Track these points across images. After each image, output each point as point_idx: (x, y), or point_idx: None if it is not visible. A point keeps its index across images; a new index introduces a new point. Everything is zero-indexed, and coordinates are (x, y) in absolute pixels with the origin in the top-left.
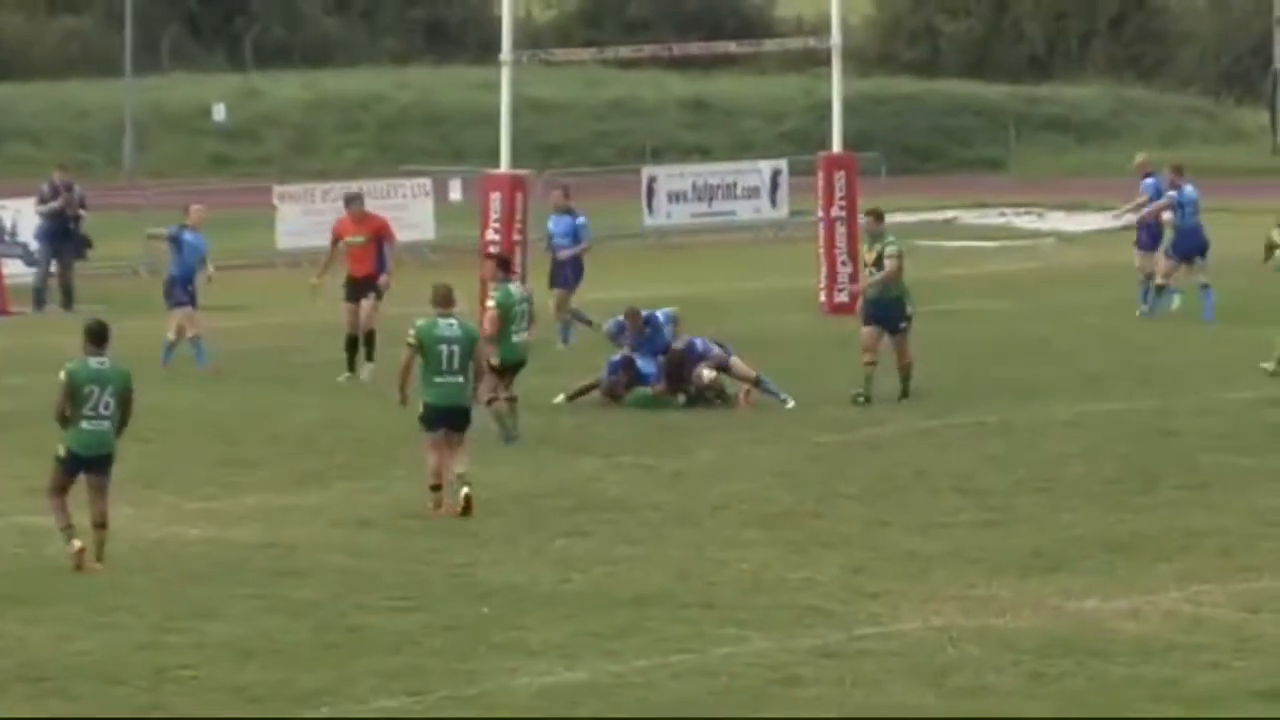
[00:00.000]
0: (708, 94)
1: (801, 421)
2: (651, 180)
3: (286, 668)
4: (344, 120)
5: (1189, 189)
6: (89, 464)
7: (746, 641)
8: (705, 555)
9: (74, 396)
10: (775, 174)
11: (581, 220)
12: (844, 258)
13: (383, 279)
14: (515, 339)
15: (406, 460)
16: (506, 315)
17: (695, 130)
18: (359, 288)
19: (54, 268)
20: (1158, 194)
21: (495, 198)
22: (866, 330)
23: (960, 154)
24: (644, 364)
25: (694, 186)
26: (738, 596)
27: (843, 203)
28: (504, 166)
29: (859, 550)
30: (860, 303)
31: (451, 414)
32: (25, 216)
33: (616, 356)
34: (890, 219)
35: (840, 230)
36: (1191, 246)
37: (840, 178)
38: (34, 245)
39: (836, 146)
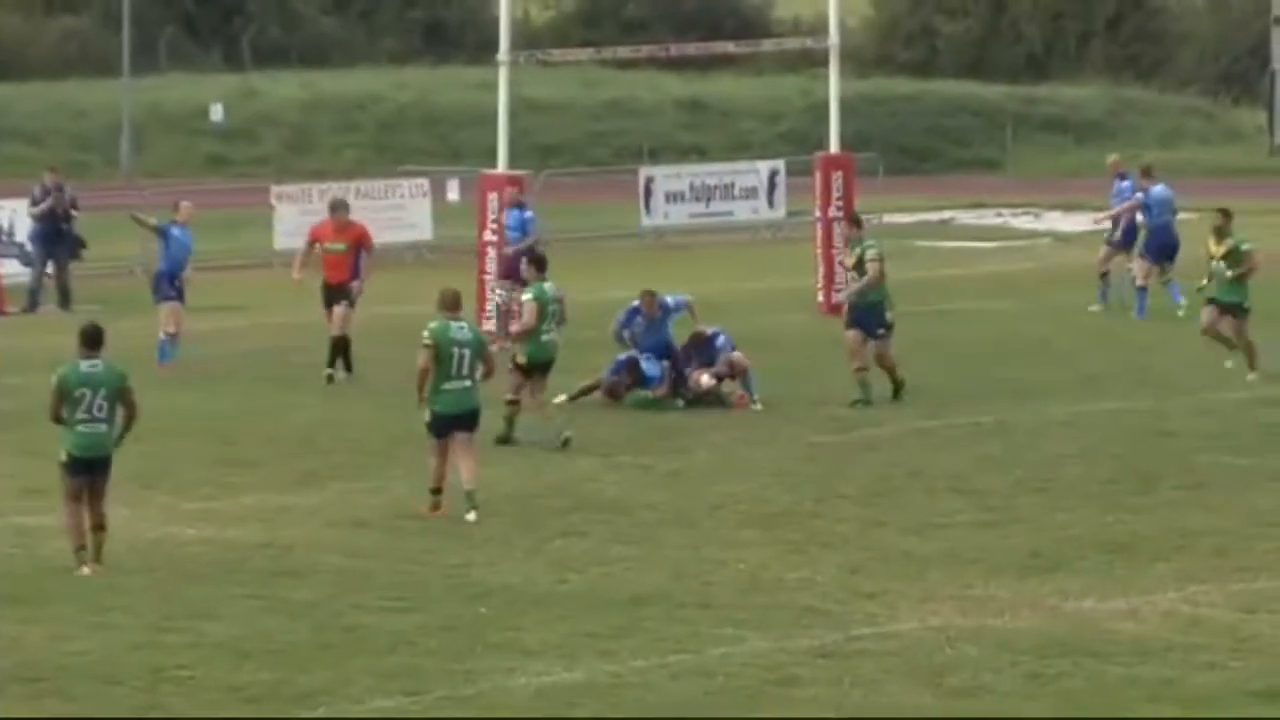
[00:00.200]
0: (705, 94)
1: (798, 422)
2: (649, 180)
3: (283, 668)
4: (342, 120)
5: (1157, 189)
6: (89, 468)
7: (743, 642)
8: (702, 555)
9: (66, 400)
10: (772, 174)
11: (529, 214)
12: (841, 258)
13: (355, 285)
14: (545, 337)
15: (404, 461)
16: (543, 311)
17: (692, 130)
18: (333, 294)
19: (50, 269)
20: (1124, 195)
21: (493, 198)
22: (851, 335)
23: (957, 154)
24: (648, 366)
25: (691, 187)
26: (735, 597)
27: (840, 203)
28: (501, 167)
29: (856, 550)
30: (845, 308)
31: (461, 420)
32: (23, 217)
33: (622, 356)
34: (888, 219)
35: (837, 230)
36: (1161, 246)
37: (837, 178)
38: (30, 247)
39: (834, 147)
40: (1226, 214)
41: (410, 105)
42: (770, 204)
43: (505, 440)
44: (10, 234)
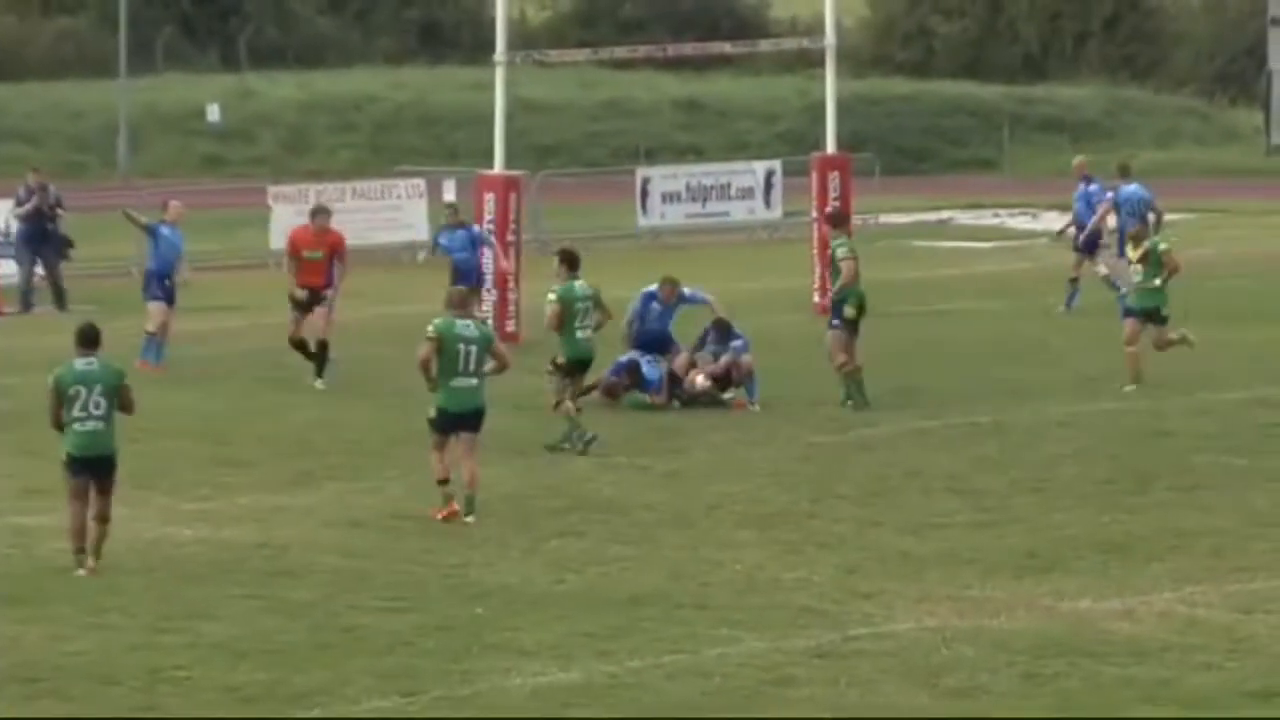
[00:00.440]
0: (702, 95)
1: (795, 422)
2: (645, 181)
3: (280, 668)
4: (338, 121)
5: (1129, 188)
6: (90, 466)
7: (740, 642)
8: (699, 556)
9: (63, 399)
10: (769, 175)
11: (479, 230)
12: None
13: (329, 291)
14: (579, 335)
15: (400, 461)
16: (568, 310)
17: (689, 131)
18: (311, 298)
19: (40, 269)
20: (1094, 198)
21: (489, 198)
22: (830, 334)
23: (954, 155)
24: (648, 370)
25: (688, 187)
26: (731, 597)
27: (837, 203)
28: (498, 167)
29: (853, 551)
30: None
31: (465, 418)
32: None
33: (623, 358)
34: (884, 219)
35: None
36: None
37: (834, 178)
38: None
39: (831, 147)
40: (1145, 222)
41: (407, 105)
42: (767, 204)
43: (578, 441)
44: (7, 235)
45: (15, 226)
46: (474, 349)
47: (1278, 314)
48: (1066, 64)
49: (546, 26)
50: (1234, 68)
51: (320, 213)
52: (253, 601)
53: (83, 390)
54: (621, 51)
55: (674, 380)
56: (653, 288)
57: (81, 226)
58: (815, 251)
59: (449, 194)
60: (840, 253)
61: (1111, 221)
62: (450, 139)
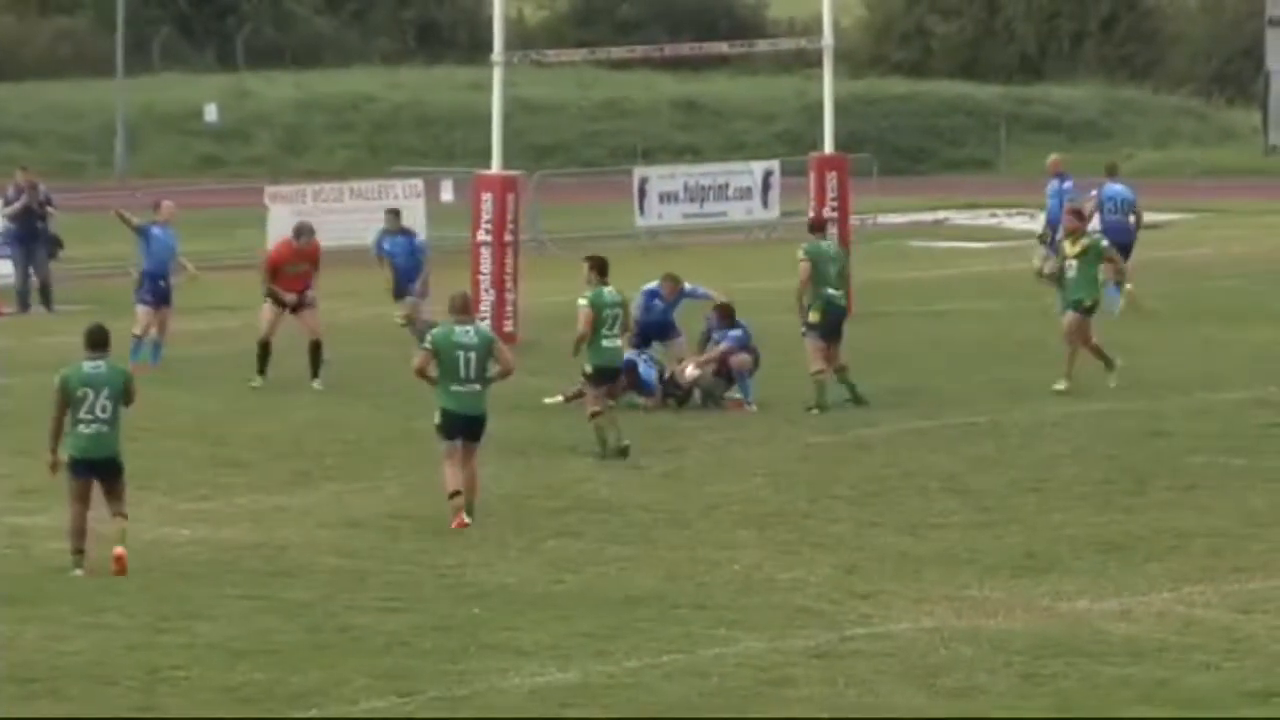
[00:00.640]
0: (699, 95)
1: (792, 422)
2: (643, 181)
3: (277, 668)
4: (335, 121)
5: (1114, 187)
6: (94, 469)
7: (737, 642)
8: (696, 556)
9: (69, 401)
10: (767, 175)
11: (420, 240)
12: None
13: (310, 294)
14: (606, 343)
15: (397, 461)
16: (598, 316)
17: (687, 131)
18: (296, 301)
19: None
20: (1066, 195)
21: (487, 198)
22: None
23: (951, 155)
24: (645, 371)
25: (685, 187)
26: (729, 597)
27: (834, 204)
28: (495, 167)
29: (850, 551)
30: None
31: (469, 423)
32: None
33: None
34: (882, 220)
35: (832, 232)
36: (1112, 242)
37: (832, 179)
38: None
39: (828, 147)
40: (1079, 214)
41: (404, 105)
42: (764, 205)
43: (621, 453)
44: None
45: (3, 226)
46: (474, 355)
47: (1275, 314)
48: (1064, 64)
49: (544, 26)
50: (1231, 68)
51: (305, 232)
52: (250, 602)
53: (90, 393)
54: (619, 51)
55: (670, 382)
56: (654, 285)
57: (79, 226)
58: None
59: (446, 194)
60: (798, 254)
61: (1095, 222)
62: (447, 139)
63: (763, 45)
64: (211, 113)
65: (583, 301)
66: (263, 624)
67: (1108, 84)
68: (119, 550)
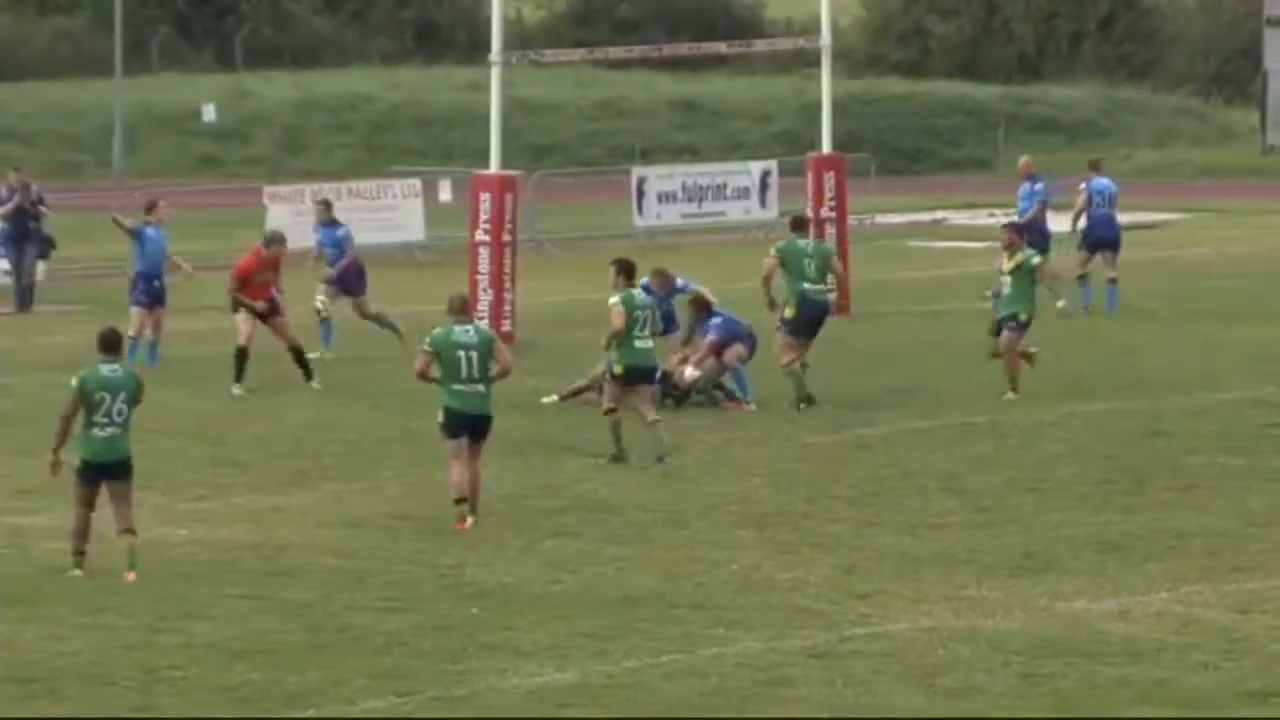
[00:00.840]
0: (697, 95)
1: (791, 422)
2: (641, 181)
3: (276, 668)
4: (334, 121)
5: (1100, 180)
6: (105, 471)
7: (736, 642)
8: (695, 556)
9: (86, 404)
10: (765, 175)
11: (343, 231)
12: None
13: (278, 300)
14: (638, 344)
15: (396, 461)
16: (629, 317)
17: (685, 131)
18: (268, 308)
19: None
20: (1038, 196)
21: (485, 198)
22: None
23: (949, 154)
24: None
25: (684, 187)
26: (727, 597)
27: (832, 203)
28: (494, 167)
29: (849, 551)
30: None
31: (474, 421)
32: None
33: None
34: (880, 219)
35: (830, 231)
36: (1100, 236)
37: (830, 178)
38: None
39: (826, 147)
40: (1016, 228)
41: (402, 105)
42: (763, 204)
43: (618, 458)
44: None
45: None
46: (475, 354)
47: (1274, 314)
48: (1062, 64)
49: (542, 26)
50: (1230, 68)
51: (275, 241)
52: (249, 602)
53: (108, 396)
54: (617, 51)
55: (666, 381)
56: (643, 281)
57: (77, 226)
58: None
59: (445, 194)
60: (771, 251)
61: (1081, 222)
62: (446, 139)
63: (761, 45)
64: (210, 113)
65: (614, 300)
66: (261, 624)
67: (1106, 84)
68: (131, 576)
